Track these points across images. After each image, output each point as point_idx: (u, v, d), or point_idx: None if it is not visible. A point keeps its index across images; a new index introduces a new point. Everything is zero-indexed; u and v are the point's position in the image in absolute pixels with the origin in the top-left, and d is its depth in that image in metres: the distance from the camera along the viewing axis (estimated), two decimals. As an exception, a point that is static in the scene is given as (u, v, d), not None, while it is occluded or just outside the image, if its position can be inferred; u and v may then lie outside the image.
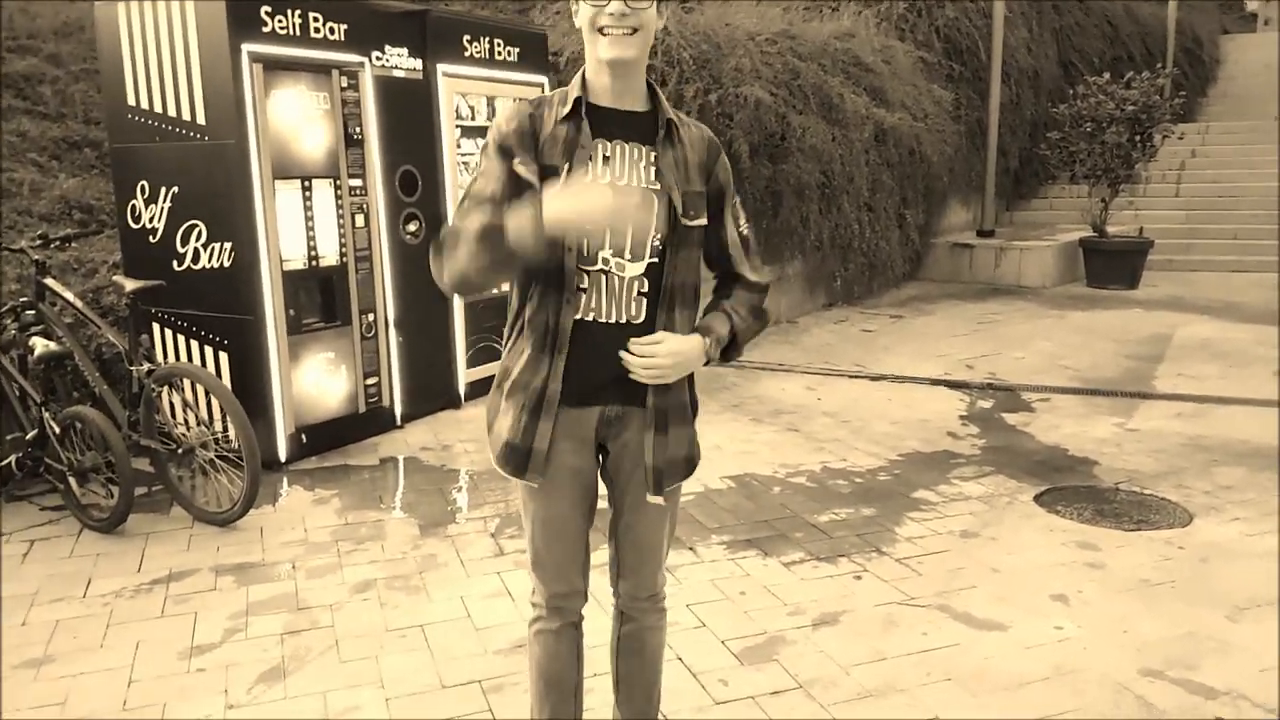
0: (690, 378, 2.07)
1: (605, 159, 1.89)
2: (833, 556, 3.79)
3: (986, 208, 11.33)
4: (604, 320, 1.92)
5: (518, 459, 1.98)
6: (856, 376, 6.74)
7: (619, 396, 1.98)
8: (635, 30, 1.82)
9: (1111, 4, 14.89)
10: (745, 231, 2.10)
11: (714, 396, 6.13)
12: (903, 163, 9.64)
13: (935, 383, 6.55)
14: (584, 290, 1.91)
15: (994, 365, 6.96)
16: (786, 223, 7.95)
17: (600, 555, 2.34)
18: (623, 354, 1.92)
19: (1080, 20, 13.95)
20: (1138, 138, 10.24)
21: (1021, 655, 3.05)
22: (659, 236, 1.92)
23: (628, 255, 1.90)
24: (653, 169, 1.91)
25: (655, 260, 1.92)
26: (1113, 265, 10.25)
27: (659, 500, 2.03)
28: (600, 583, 2.30)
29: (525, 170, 1.87)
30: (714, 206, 2.01)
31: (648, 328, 1.93)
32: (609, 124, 1.91)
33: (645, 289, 1.93)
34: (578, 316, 1.92)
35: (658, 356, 1.91)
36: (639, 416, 1.99)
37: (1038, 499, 4.40)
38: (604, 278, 1.91)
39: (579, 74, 1.94)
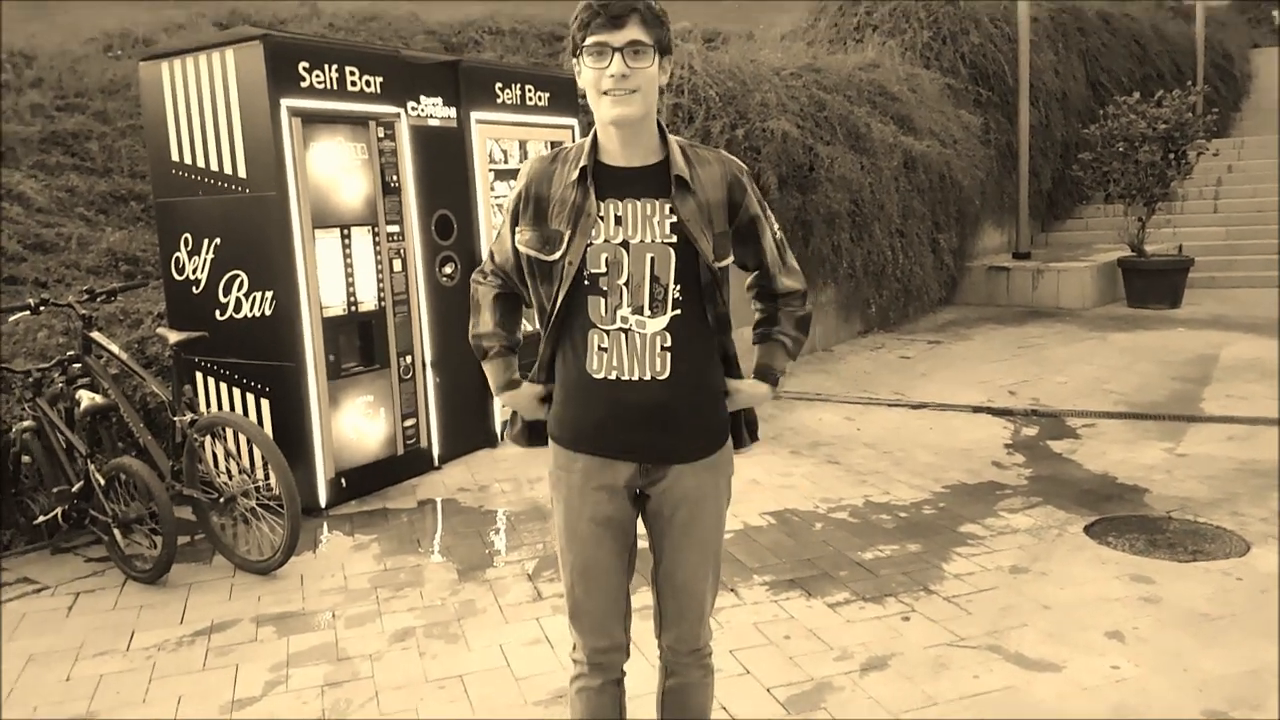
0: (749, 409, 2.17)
1: (617, 219, 1.92)
2: (879, 596, 3.72)
3: (1021, 230, 11.23)
4: (628, 378, 1.93)
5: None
6: (896, 405, 6.67)
7: (652, 454, 1.99)
8: (636, 90, 1.84)
9: (1138, 23, 14.79)
10: (779, 237, 2.13)
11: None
12: (933, 188, 9.59)
13: (977, 410, 6.46)
14: (605, 350, 1.92)
15: (1036, 390, 6.86)
16: (818, 251, 7.93)
17: (644, 604, 2.31)
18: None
19: (1107, 41, 13.85)
20: (1172, 155, 10.11)
21: (1078, 697, 2.96)
22: (679, 289, 1.93)
23: (647, 313, 1.91)
24: (669, 222, 1.92)
25: (678, 313, 1.93)
26: (1153, 284, 10.09)
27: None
28: (645, 630, 2.27)
29: (525, 245, 1.99)
30: (746, 230, 2.04)
31: (672, 382, 1.94)
32: (620, 183, 1.93)
33: (668, 343, 1.93)
34: (600, 375, 1.93)
35: (739, 402, 2.12)
36: (683, 472, 2.02)
37: (1088, 530, 4.31)
38: (624, 336, 1.92)
39: (591, 132, 1.97)
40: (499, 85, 5.76)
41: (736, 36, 11.57)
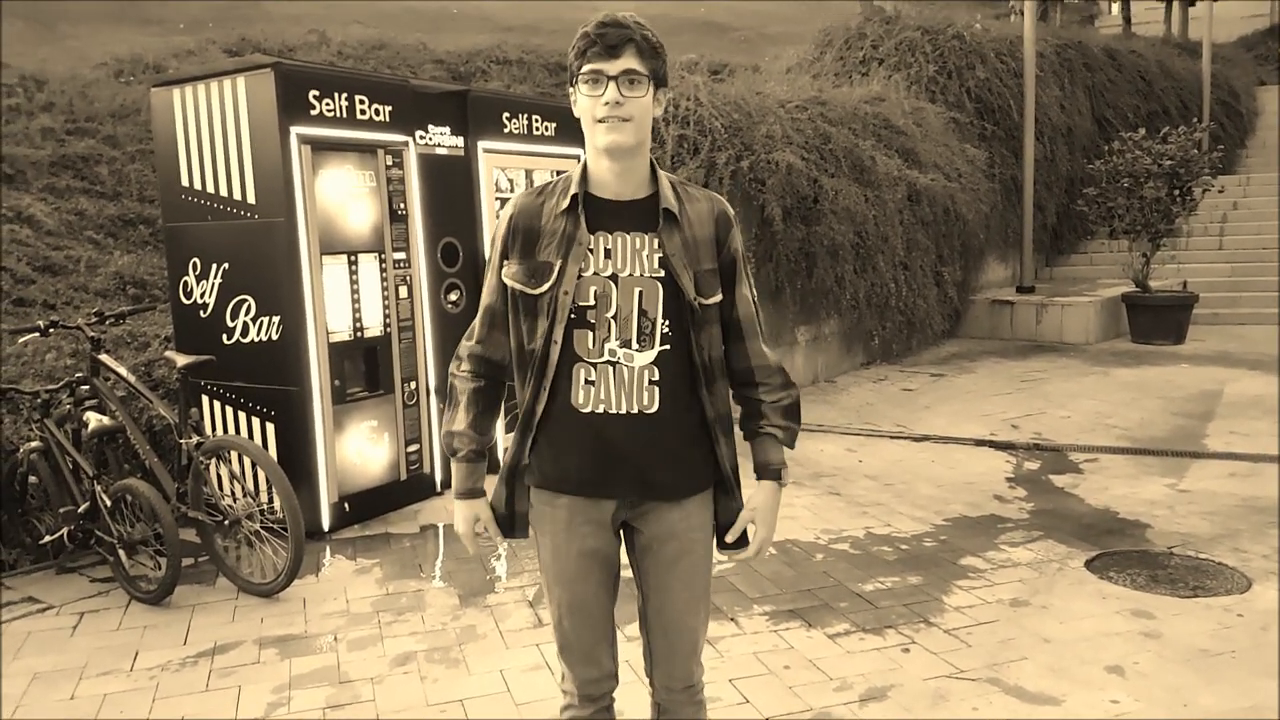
0: (731, 450, 2.09)
1: (606, 252, 1.92)
2: (879, 627, 3.72)
3: (1025, 264, 11.28)
4: (615, 412, 1.92)
5: (502, 522, 2.14)
6: (898, 437, 6.68)
7: (637, 491, 1.99)
8: (630, 119, 1.86)
9: (1144, 59, 14.91)
10: (756, 300, 2.10)
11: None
12: (938, 221, 9.65)
13: (979, 443, 6.47)
14: (592, 383, 1.92)
15: (1039, 424, 6.86)
16: (821, 283, 7.98)
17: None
18: (747, 558, 2.10)
19: (1112, 77, 13.97)
20: (1177, 192, 10.16)
21: (1077, 731, 2.96)
22: (668, 323, 1.92)
23: (635, 346, 1.91)
24: (657, 256, 1.92)
25: (666, 347, 1.93)
26: (1157, 320, 10.11)
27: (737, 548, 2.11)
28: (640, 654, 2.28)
29: (511, 279, 1.98)
30: (727, 278, 2.01)
31: (661, 416, 1.93)
32: (609, 216, 1.94)
33: (656, 377, 1.93)
34: (586, 409, 1.92)
35: (761, 542, 2.09)
36: (669, 510, 2.01)
37: (1089, 565, 4.30)
38: (612, 369, 1.92)
39: (581, 163, 1.98)
40: (506, 115, 5.84)
41: (743, 69, 11.70)
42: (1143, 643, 3.53)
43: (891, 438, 6.68)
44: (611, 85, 1.84)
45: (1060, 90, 12.59)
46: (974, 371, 9.00)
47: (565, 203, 1.94)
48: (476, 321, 2.10)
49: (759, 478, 2.09)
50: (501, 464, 2.09)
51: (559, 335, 1.92)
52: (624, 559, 2.13)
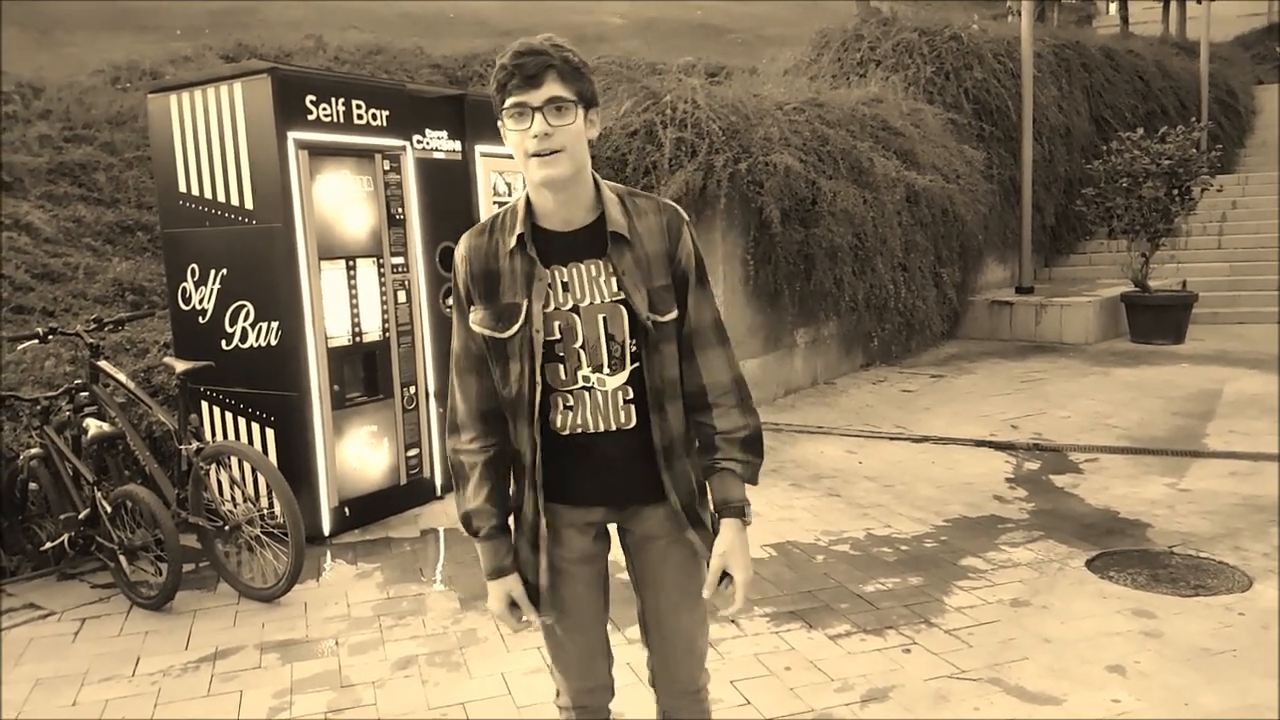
0: (702, 488, 2.02)
1: (565, 285, 1.88)
2: (880, 628, 3.72)
3: (1024, 265, 11.27)
4: (594, 431, 1.92)
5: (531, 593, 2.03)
6: (897, 438, 6.68)
7: (624, 497, 1.98)
8: (562, 149, 1.78)
9: (1142, 59, 14.92)
10: (714, 316, 1.98)
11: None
12: (936, 222, 9.64)
13: (979, 444, 6.46)
14: (570, 409, 1.91)
15: (1039, 425, 6.86)
16: (820, 285, 7.97)
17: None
18: (732, 614, 1.98)
19: (1110, 77, 13.97)
20: (1176, 191, 10.17)
21: (1078, 731, 2.96)
22: (635, 343, 1.90)
23: (606, 370, 1.90)
24: (614, 280, 1.88)
25: (637, 365, 1.91)
26: (1157, 320, 10.10)
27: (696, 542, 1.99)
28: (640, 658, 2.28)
29: (480, 326, 1.90)
30: (680, 291, 1.93)
31: (639, 433, 1.92)
32: (560, 249, 1.89)
33: (631, 396, 1.92)
34: (566, 432, 1.92)
35: (743, 589, 1.94)
36: (655, 510, 1.98)
37: (1089, 564, 4.30)
38: (587, 394, 1.90)
39: (524, 195, 1.91)
40: (505, 119, 5.84)
41: (740, 71, 11.71)
42: (1143, 642, 3.53)
43: (891, 439, 6.68)
44: (538, 117, 1.75)
45: (1058, 90, 12.59)
46: (973, 372, 9.00)
47: (513, 241, 1.88)
48: (454, 383, 1.99)
49: (720, 516, 1.95)
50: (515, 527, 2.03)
51: (538, 376, 1.88)
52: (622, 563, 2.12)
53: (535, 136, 1.76)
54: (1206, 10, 16.49)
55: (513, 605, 2.01)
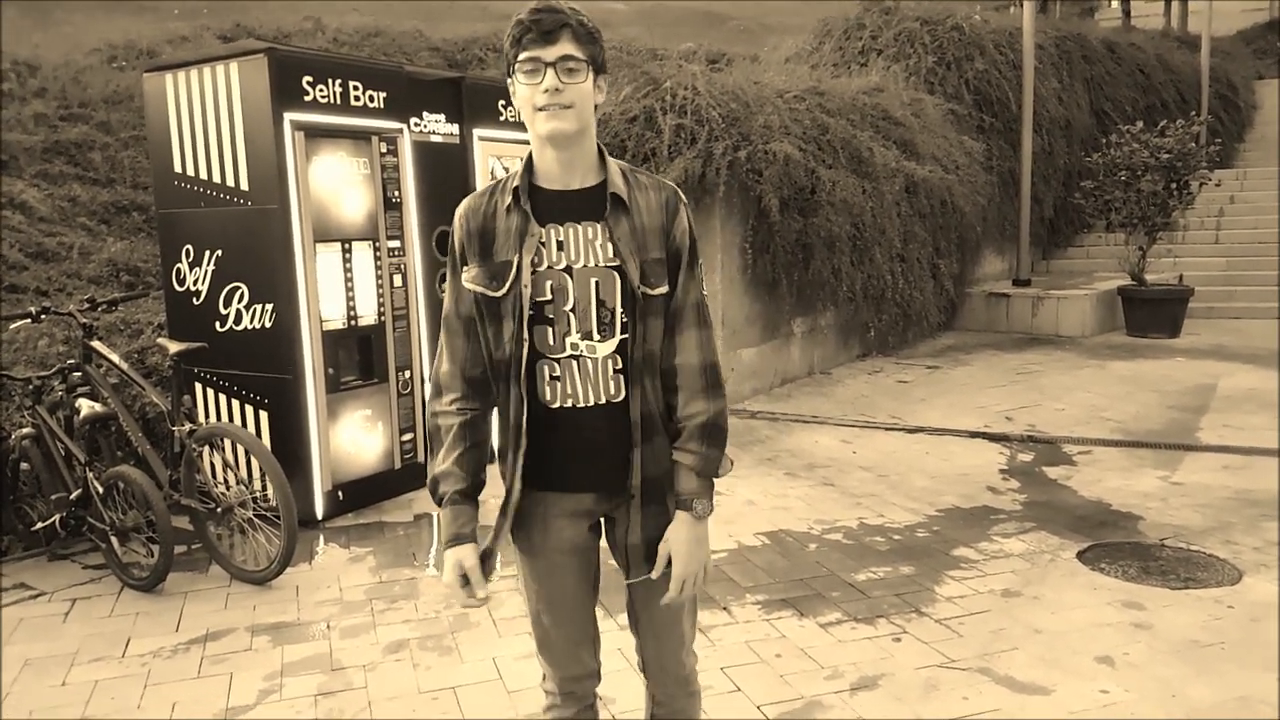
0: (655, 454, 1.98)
1: (559, 244, 1.87)
2: (871, 617, 3.73)
3: (1022, 257, 11.27)
4: (583, 405, 1.90)
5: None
6: (892, 429, 6.68)
7: (613, 485, 1.95)
8: (571, 105, 1.80)
9: (1143, 52, 14.89)
10: (698, 298, 1.97)
11: (746, 450, 6.10)
12: (935, 214, 9.63)
13: (974, 435, 6.47)
14: (558, 379, 1.89)
15: (1034, 417, 6.87)
16: (818, 274, 7.96)
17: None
18: (666, 603, 1.96)
19: (1111, 70, 13.94)
20: (1174, 185, 10.16)
21: (1067, 721, 2.97)
22: (625, 313, 1.89)
23: (596, 337, 1.89)
24: (610, 245, 1.88)
25: (626, 335, 1.90)
26: (1153, 314, 10.11)
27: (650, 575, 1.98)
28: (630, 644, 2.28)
29: (472, 283, 1.90)
30: (672, 268, 1.94)
31: (628, 404, 1.91)
32: (558, 207, 1.89)
33: (620, 366, 1.90)
34: (555, 405, 1.90)
35: (687, 579, 1.93)
36: (633, 502, 1.96)
37: (1081, 556, 4.31)
38: (575, 363, 1.89)
39: (526, 155, 1.93)
40: (502, 103, 5.81)
41: (741, 59, 11.67)
42: (1133, 634, 3.54)
43: (886, 429, 6.68)
44: (550, 72, 1.78)
45: (1059, 83, 12.56)
46: (969, 364, 9.00)
47: (509, 198, 1.88)
48: (443, 344, 1.98)
49: (675, 508, 1.95)
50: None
51: (525, 334, 1.87)
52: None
53: (546, 91, 1.79)
54: (1208, 4, 16.45)
55: (465, 579, 1.94)
